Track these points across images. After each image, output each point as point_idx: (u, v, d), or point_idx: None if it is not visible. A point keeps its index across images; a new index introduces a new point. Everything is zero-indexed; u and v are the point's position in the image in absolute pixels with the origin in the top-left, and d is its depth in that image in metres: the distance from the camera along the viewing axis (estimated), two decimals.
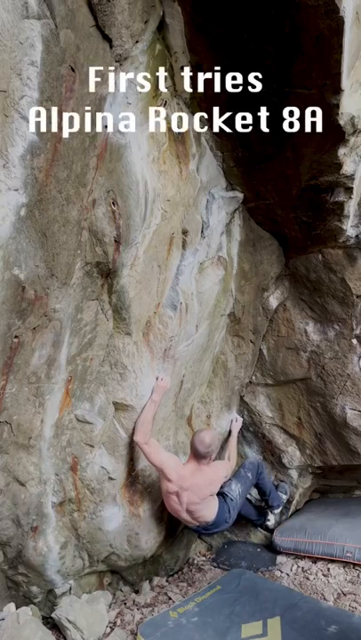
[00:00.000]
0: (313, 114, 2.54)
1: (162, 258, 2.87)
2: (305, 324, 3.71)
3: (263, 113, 2.69)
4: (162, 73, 2.55)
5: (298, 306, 3.73)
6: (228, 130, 2.89)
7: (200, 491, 3.04)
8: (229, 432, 3.86)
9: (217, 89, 2.70)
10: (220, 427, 3.81)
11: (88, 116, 2.15)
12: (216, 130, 2.93)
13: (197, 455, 3.02)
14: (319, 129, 2.59)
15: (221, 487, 3.31)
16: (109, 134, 2.33)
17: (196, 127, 2.91)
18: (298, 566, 3.45)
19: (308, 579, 3.28)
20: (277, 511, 3.82)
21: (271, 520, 3.81)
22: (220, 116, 2.84)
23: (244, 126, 2.82)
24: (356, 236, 3.18)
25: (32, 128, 1.90)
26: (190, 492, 3.01)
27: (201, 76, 2.68)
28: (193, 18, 2.46)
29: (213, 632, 2.70)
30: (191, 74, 2.69)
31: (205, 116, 2.89)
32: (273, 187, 3.12)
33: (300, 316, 3.72)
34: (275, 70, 2.45)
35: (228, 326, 3.69)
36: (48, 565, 2.82)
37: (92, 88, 2.13)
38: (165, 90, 2.63)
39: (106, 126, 2.30)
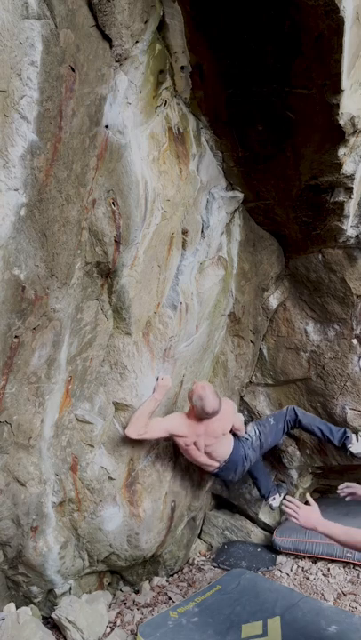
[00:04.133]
0: (313, 114, 2.54)
1: (162, 258, 2.87)
2: (305, 324, 3.71)
3: (263, 113, 2.69)
4: (162, 73, 2.55)
5: (298, 306, 3.73)
6: (228, 130, 2.90)
7: (214, 431, 3.09)
8: None
9: (217, 89, 2.70)
10: None
11: (88, 116, 2.15)
12: (216, 130, 2.94)
13: (204, 418, 3.00)
14: (319, 129, 2.59)
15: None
16: (109, 134, 2.33)
17: (196, 127, 2.91)
18: (298, 566, 3.45)
19: (308, 579, 3.28)
20: (280, 499, 3.80)
21: (277, 501, 3.77)
22: (221, 115, 2.84)
23: (244, 126, 2.82)
24: (357, 236, 3.18)
25: (32, 128, 1.90)
26: (205, 435, 3.08)
27: (201, 76, 2.68)
28: (193, 18, 2.46)
29: (213, 632, 2.70)
30: (191, 74, 2.69)
31: (206, 116, 2.89)
32: (273, 187, 3.12)
33: (300, 315, 3.72)
34: (275, 70, 2.45)
35: (228, 326, 3.69)
36: (48, 565, 2.83)
37: (92, 88, 2.13)
38: (165, 90, 2.63)
39: (106, 126, 2.30)
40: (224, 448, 3.24)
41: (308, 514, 2.10)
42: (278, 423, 3.49)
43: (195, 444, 3.10)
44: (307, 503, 2.18)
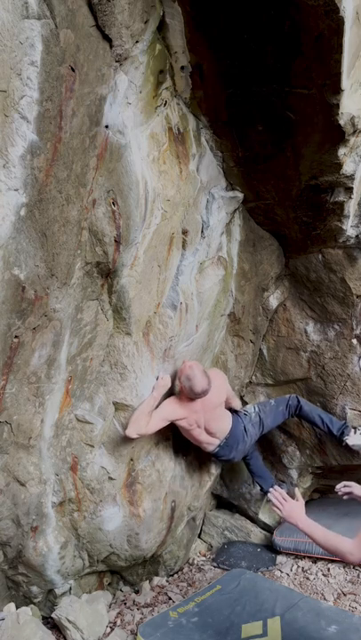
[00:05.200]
0: (313, 114, 2.54)
1: (162, 258, 2.87)
2: (305, 324, 3.71)
3: (263, 113, 2.69)
4: (162, 73, 2.55)
5: (298, 306, 3.73)
6: (228, 130, 2.89)
7: (211, 402, 3.11)
8: None
9: (217, 89, 2.70)
10: None
11: (88, 116, 2.15)
12: (216, 130, 2.93)
13: (197, 398, 3.00)
14: (319, 129, 2.59)
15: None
16: (109, 134, 2.33)
17: (196, 127, 2.91)
18: (298, 566, 3.45)
19: (308, 579, 3.28)
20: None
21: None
22: (221, 115, 2.84)
23: (244, 126, 2.82)
24: (357, 236, 3.18)
25: (32, 128, 1.90)
26: (203, 411, 3.09)
27: (201, 76, 2.68)
28: (193, 18, 2.46)
29: (213, 632, 2.70)
30: (191, 74, 2.69)
31: (206, 116, 2.89)
32: (273, 187, 3.12)
33: (300, 315, 3.72)
34: (275, 70, 2.45)
35: (228, 326, 3.69)
36: (48, 565, 2.83)
37: (92, 88, 2.13)
38: (165, 90, 2.63)
39: (106, 126, 2.30)
40: (224, 423, 3.25)
41: (293, 508, 2.10)
42: (279, 406, 3.51)
43: (196, 422, 3.10)
44: (295, 498, 2.18)
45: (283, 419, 3.56)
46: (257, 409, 3.47)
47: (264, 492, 3.77)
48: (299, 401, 3.52)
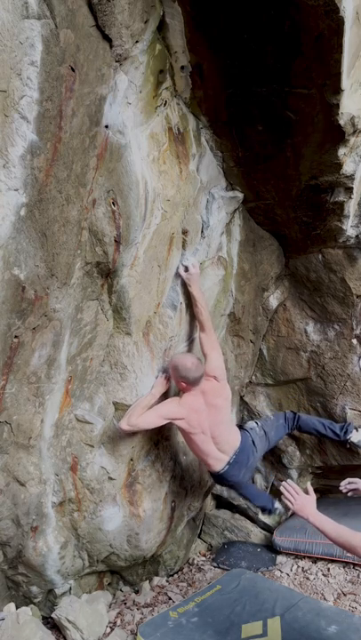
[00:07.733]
0: (313, 114, 2.54)
1: (162, 258, 2.87)
2: (305, 324, 3.71)
3: (263, 113, 2.69)
4: (162, 73, 2.55)
5: (298, 306, 3.73)
6: (228, 130, 2.90)
7: (214, 399, 2.97)
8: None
9: (217, 89, 2.70)
10: None
11: (88, 116, 2.15)
12: (216, 130, 2.93)
13: (193, 384, 2.88)
14: (319, 129, 2.59)
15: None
16: (109, 134, 2.33)
17: (196, 127, 2.91)
18: (298, 566, 3.45)
19: (308, 579, 3.28)
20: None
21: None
22: (221, 115, 2.84)
23: (244, 126, 2.82)
24: (357, 236, 3.18)
25: (32, 128, 1.90)
26: (208, 409, 2.95)
27: (201, 76, 2.68)
28: (193, 18, 2.46)
29: (213, 632, 2.70)
30: (191, 74, 2.69)
31: (206, 116, 2.89)
32: (273, 187, 3.12)
33: (300, 315, 3.72)
34: (275, 70, 2.45)
35: (228, 326, 3.69)
36: (48, 565, 2.83)
37: (92, 88, 2.13)
38: (165, 90, 2.63)
39: (106, 126, 2.30)
40: (232, 436, 3.08)
41: (305, 502, 2.10)
42: (279, 419, 3.49)
43: (199, 424, 2.92)
44: (307, 492, 2.17)
45: (284, 432, 3.53)
46: (259, 423, 3.39)
47: (269, 511, 3.59)
48: (294, 412, 3.54)
